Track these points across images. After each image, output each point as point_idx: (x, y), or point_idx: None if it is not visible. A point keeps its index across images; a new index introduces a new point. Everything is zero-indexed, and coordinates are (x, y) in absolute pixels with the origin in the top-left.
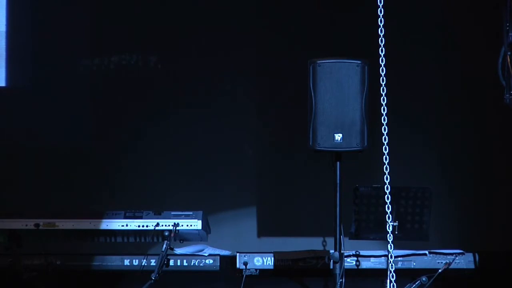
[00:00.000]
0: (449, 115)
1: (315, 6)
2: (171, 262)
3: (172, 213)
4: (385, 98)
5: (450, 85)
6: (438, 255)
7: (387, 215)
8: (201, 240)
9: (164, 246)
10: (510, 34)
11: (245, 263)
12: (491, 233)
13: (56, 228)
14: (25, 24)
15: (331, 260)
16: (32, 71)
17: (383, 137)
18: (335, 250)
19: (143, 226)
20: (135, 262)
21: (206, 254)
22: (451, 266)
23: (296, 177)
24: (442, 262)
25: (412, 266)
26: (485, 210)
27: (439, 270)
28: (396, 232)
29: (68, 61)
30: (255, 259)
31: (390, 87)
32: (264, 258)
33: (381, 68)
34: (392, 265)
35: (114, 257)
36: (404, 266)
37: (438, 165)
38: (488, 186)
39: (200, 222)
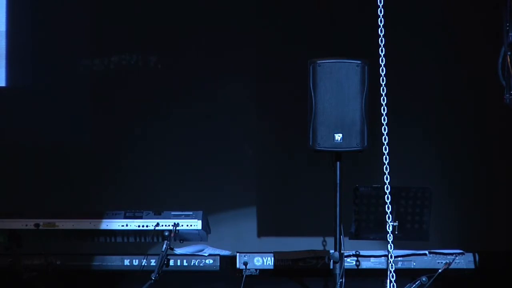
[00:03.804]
0: (449, 115)
1: (315, 6)
2: (171, 262)
3: (172, 213)
4: (385, 98)
5: (450, 85)
6: (438, 255)
7: (387, 215)
8: (201, 240)
9: (164, 246)
10: (510, 34)
11: (245, 263)
12: (491, 233)
13: (56, 228)
14: (25, 24)
15: (331, 260)
16: (32, 71)
17: (383, 137)
18: (335, 250)
19: (143, 226)
20: (135, 262)
21: (206, 254)
22: (451, 266)
23: (296, 177)
24: (442, 262)
25: (412, 266)
26: (485, 210)
27: (439, 270)
28: (396, 232)
29: (68, 61)
30: (255, 259)
31: (390, 87)
32: (264, 258)
33: (381, 68)
34: (392, 265)
35: (114, 257)
36: (404, 266)
37: (438, 166)
38: (488, 186)
39: (200, 222)
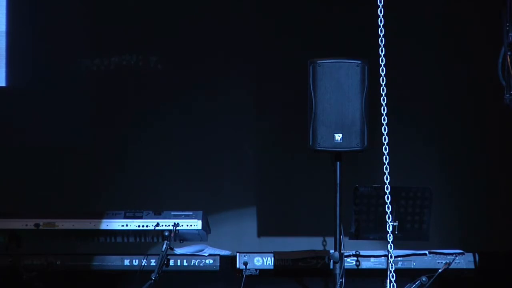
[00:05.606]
0: (449, 115)
1: (315, 6)
2: (171, 262)
3: (172, 213)
4: (385, 98)
5: (450, 85)
6: (438, 255)
7: (387, 215)
8: (201, 240)
9: (164, 246)
10: (510, 34)
11: (245, 263)
12: (491, 233)
13: (56, 228)
14: (25, 24)
15: (331, 260)
16: (32, 71)
17: (383, 137)
18: (335, 250)
19: (143, 226)
20: (135, 262)
21: (206, 254)
22: (451, 266)
23: (296, 177)
24: (442, 262)
25: (412, 266)
26: (485, 210)
27: (439, 270)
28: (396, 232)
29: (68, 61)
30: (255, 259)
31: (390, 87)
32: (264, 258)
33: (381, 68)
34: (392, 265)
35: (114, 257)
36: (404, 266)
37: (438, 165)
38: (488, 186)
39: (200, 222)
